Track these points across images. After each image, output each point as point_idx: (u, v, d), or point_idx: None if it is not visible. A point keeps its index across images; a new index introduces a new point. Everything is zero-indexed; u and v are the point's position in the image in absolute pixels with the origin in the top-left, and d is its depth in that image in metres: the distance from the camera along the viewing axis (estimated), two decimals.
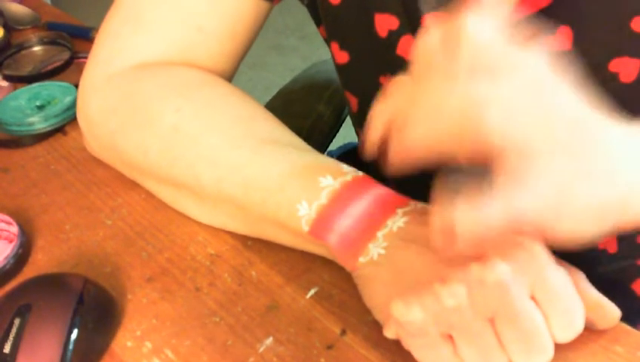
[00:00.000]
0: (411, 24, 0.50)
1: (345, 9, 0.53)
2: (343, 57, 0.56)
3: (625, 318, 0.39)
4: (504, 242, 0.35)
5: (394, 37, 0.51)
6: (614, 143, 0.34)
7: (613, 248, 0.55)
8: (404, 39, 0.50)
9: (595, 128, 0.34)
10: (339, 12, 0.53)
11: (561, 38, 0.45)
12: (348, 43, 0.55)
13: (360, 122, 0.63)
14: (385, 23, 0.51)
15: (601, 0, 0.43)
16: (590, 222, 0.33)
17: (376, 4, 0.50)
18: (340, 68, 0.58)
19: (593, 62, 0.44)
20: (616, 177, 0.33)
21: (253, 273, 0.46)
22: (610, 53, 0.44)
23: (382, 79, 0.55)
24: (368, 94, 0.58)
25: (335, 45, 0.56)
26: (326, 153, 0.86)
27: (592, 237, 0.34)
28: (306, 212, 0.41)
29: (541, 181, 0.32)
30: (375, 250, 0.39)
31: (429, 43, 0.35)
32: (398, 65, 0.52)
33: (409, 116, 0.36)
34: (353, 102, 0.60)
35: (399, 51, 0.51)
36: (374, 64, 0.54)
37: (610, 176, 0.33)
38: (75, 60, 0.73)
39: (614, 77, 0.45)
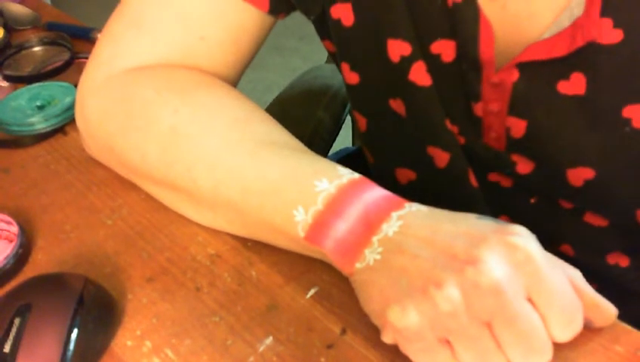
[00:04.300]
0: (423, 51, 0.50)
1: (357, 32, 0.52)
2: (354, 78, 0.56)
3: (635, 323, 0.39)
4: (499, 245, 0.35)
5: (406, 63, 0.51)
6: None
7: (625, 262, 0.55)
8: (416, 65, 0.51)
9: None
10: (351, 34, 0.53)
11: (575, 83, 0.45)
12: (359, 65, 0.55)
13: (368, 141, 0.63)
14: (397, 49, 0.51)
15: (618, 53, 0.42)
16: None
17: (389, 30, 0.50)
18: (350, 88, 0.58)
19: (606, 107, 0.44)
20: None
21: (254, 273, 0.46)
22: (624, 99, 0.44)
23: (392, 102, 0.55)
24: (378, 116, 0.58)
25: (346, 66, 0.56)
26: None
27: None
28: (302, 218, 0.41)
29: None
30: (371, 255, 0.38)
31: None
32: (409, 90, 0.52)
33: None
34: (362, 122, 0.60)
35: (411, 77, 0.51)
36: (385, 88, 0.54)
37: None
38: (76, 60, 0.73)
39: (627, 122, 0.44)
